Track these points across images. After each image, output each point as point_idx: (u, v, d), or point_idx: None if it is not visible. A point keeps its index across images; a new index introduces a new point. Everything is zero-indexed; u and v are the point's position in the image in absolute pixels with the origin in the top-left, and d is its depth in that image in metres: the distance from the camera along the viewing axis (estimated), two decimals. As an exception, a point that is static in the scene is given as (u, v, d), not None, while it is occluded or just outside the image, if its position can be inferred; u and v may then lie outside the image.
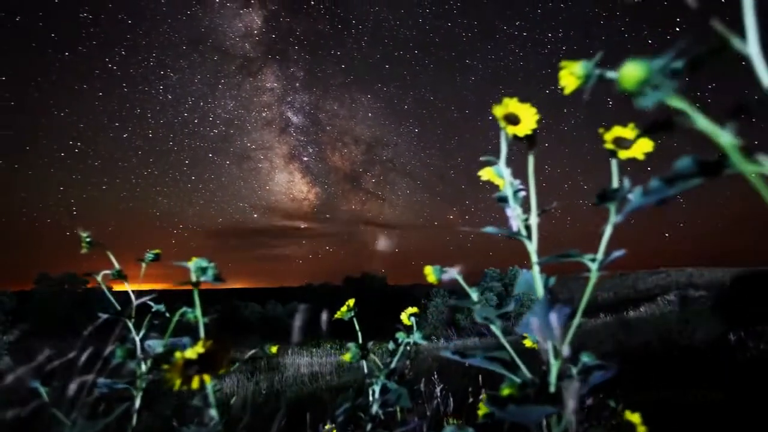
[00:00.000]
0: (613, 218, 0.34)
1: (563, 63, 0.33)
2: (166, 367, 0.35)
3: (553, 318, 0.39)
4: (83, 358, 0.57)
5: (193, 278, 0.42)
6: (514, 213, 0.46)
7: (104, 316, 0.61)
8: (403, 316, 0.75)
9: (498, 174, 0.56)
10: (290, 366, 10.88)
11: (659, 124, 0.27)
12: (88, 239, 0.67)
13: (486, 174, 0.59)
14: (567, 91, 0.33)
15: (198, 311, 0.45)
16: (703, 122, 0.22)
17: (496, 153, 0.51)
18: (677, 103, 0.23)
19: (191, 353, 0.36)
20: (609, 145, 0.41)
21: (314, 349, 14.01)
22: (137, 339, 0.61)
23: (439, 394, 1.61)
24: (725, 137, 0.22)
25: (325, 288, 27.72)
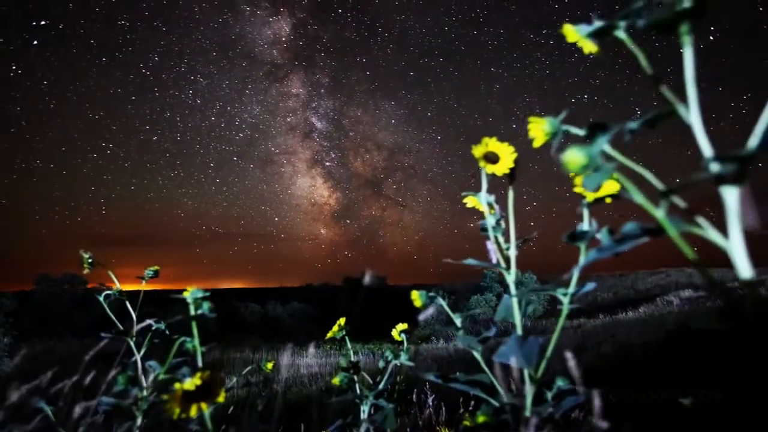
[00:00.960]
0: (582, 260, 0.37)
1: (531, 118, 0.36)
2: (166, 397, 0.38)
3: (527, 349, 0.42)
4: (87, 380, 0.59)
5: (192, 312, 0.44)
6: (493, 246, 0.49)
7: (107, 336, 0.64)
8: (394, 333, 0.78)
9: (484, 202, 0.59)
10: (290, 367, 10.91)
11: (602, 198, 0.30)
12: (89, 260, 0.69)
13: (470, 201, 0.62)
14: (535, 144, 0.36)
15: (196, 341, 0.47)
16: (639, 198, 0.25)
17: (479, 186, 0.53)
18: (617, 180, 0.26)
19: (189, 385, 0.39)
20: (480, 159, 0.44)
21: (314, 350, 14.04)
22: (138, 358, 0.63)
23: (431, 404, 1.63)
24: (659, 213, 0.25)
25: (325, 288, 27.74)
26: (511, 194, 0.51)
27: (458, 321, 0.55)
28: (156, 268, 0.83)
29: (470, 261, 0.49)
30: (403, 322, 0.80)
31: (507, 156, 0.47)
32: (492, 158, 0.47)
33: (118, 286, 0.71)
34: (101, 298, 0.70)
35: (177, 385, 0.38)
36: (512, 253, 0.49)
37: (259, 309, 21.97)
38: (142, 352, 0.65)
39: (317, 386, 8.55)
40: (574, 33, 0.40)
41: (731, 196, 0.27)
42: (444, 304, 0.57)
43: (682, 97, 0.32)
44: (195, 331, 0.48)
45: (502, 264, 0.49)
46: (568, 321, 14.98)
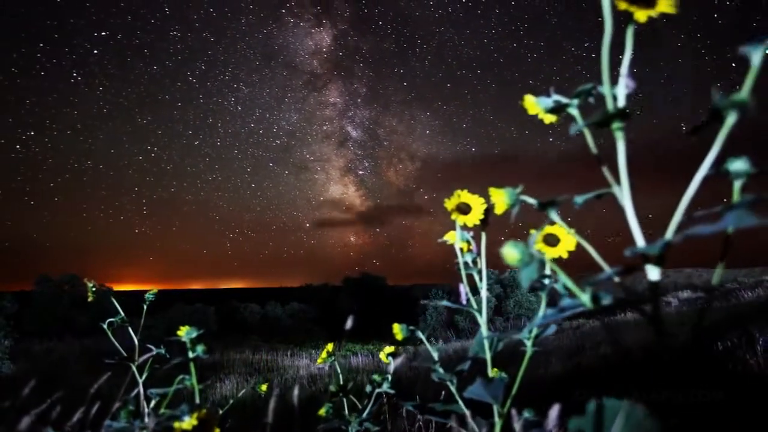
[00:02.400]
0: (540, 314, 0.41)
1: (492, 190, 0.40)
2: (165, 435, 0.42)
3: (493, 389, 0.46)
4: (93, 410, 0.63)
5: (191, 355, 0.49)
6: (465, 289, 0.53)
7: (111, 361, 0.68)
8: (382, 355, 0.82)
9: (462, 239, 0.64)
10: (289, 368, 10.96)
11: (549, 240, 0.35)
12: (93, 288, 0.74)
13: (450, 237, 0.66)
14: (497, 211, 0.41)
15: (194, 379, 0.52)
16: (566, 281, 0.29)
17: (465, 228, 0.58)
18: (547, 267, 0.30)
19: (188, 425, 0.43)
20: (452, 211, 0.49)
21: (313, 351, 14.10)
22: (140, 382, 0.68)
23: (420, 417, 1.67)
24: (584, 297, 0.29)
25: (325, 288, 27.76)
26: (483, 238, 0.55)
27: (435, 355, 0.60)
28: (155, 290, 0.87)
29: (444, 302, 0.53)
30: (402, 322, 0.84)
31: (478, 207, 0.52)
32: (464, 209, 0.51)
33: (122, 314, 0.75)
34: (105, 326, 0.74)
35: (176, 424, 0.43)
36: (483, 294, 0.54)
37: (259, 309, 22.00)
38: (144, 376, 0.70)
39: (316, 387, 8.60)
40: (533, 106, 0.44)
41: (653, 273, 0.32)
42: (423, 337, 0.61)
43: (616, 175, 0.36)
44: (193, 370, 0.52)
45: (474, 305, 0.53)
46: (568, 322, 15.04)
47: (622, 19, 0.34)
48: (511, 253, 0.28)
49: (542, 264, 0.29)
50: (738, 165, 0.36)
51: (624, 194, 0.34)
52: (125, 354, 0.72)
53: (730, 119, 0.30)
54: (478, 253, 0.58)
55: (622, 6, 0.32)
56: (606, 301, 0.31)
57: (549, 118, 0.44)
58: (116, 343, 0.75)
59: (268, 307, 22.18)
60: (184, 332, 0.51)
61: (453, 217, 0.52)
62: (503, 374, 0.73)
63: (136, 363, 0.69)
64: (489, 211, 0.55)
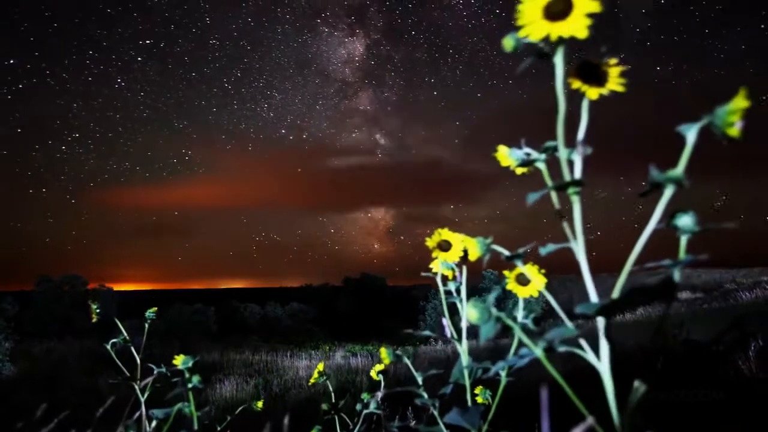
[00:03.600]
0: (510, 356, 0.45)
1: (466, 240, 0.44)
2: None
3: (470, 416, 0.50)
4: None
5: (190, 385, 0.52)
6: (447, 322, 0.57)
7: (114, 381, 0.72)
8: (372, 373, 0.85)
9: (446, 267, 0.68)
10: (289, 369, 11.00)
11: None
12: (97, 310, 0.77)
13: (435, 266, 0.70)
14: (471, 258, 0.44)
15: (192, 406, 0.55)
16: (520, 334, 0.33)
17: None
18: (503, 322, 0.34)
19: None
20: (434, 249, 0.53)
21: (313, 352, 14.13)
22: (142, 400, 0.71)
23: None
24: (538, 350, 0.33)
25: (325, 289, 27.79)
26: (464, 272, 0.59)
27: (420, 379, 0.63)
28: (154, 309, 0.91)
29: (426, 332, 0.57)
30: (402, 322, 0.87)
31: (458, 244, 0.55)
32: (444, 247, 0.55)
33: (125, 335, 0.79)
34: (108, 346, 0.78)
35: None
36: (464, 325, 0.57)
37: (259, 310, 22.04)
38: (146, 395, 0.73)
39: (316, 389, 8.64)
40: (505, 158, 0.48)
41: (601, 324, 0.36)
42: (409, 363, 0.65)
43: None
44: (191, 398, 0.56)
45: (455, 335, 0.57)
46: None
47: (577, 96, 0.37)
48: (472, 312, 0.32)
49: (499, 320, 0.32)
50: (684, 221, 0.40)
51: (579, 249, 0.38)
52: (128, 374, 0.75)
53: (668, 191, 0.34)
54: (461, 283, 0.62)
55: (575, 85, 0.35)
56: (561, 349, 0.35)
57: (520, 170, 0.47)
58: (119, 363, 0.78)
59: (268, 307, 22.21)
60: (180, 361, 0.54)
61: (434, 255, 0.55)
62: (488, 392, 0.77)
63: (140, 385, 0.72)
64: (465, 255, 0.59)
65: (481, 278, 20.83)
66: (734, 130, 0.31)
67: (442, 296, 0.58)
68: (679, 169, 0.33)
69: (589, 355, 0.35)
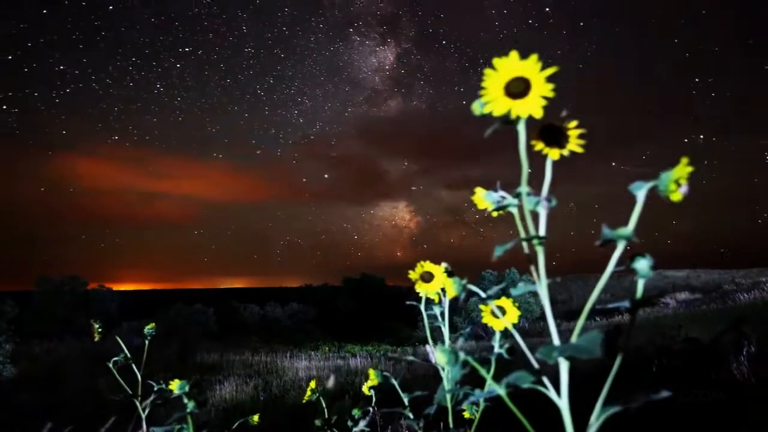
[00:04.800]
0: (487, 388, 0.48)
1: (445, 279, 0.47)
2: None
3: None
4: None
5: (187, 409, 0.56)
6: (431, 348, 0.60)
7: (117, 398, 0.75)
8: (364, 388, 0.89)
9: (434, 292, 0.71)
10: (288, 370, 11.04)
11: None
12: (99, 330, 0.81)
13: (422, 289, 0.73)
14: (449, 296, 0.48)
15: (191, 429, 0.59)
16: (485, 375, 0.36)
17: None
18: (497, 337, 0.38)
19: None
20: (416, 280, 0.56)
21: (312, 352, 14.17)
22: (143, 416, 0.75)
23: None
24: (501, 390, 0.36)
25: (325, 289, 27.82)
26: (446, 303, 0.62)
27: (406, 400, 0.67)
28: (152, 325, 0.95)
29: (411, 358, 0.60)
30: (401, 323, 0.90)
31: (439, 275, 0.59)
32: (426, 278, 0.59)
33: (126, 353, 0.83)
34: (110, 365, 0.81)
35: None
36: (446, 347, 0.61)
37: (259, 310, 22.06)
38: (147, 412, 0.77)
39: (326, 372, 8.67)
40: (481, 200, 0.51)
41: (564, 369, 0.39)
42: (396, 383, 0.69)
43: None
44: (190, 423, 0.59)
45: (436, 361, 0.60)
46: (566, 323, 15.10)
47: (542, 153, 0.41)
48: (440, 356, 0.35)
49: (466, 364, 0.36)
50: (641, 265, 0.43)
51: (543, 294, 0.41)
52: (130, 392, 0.79)
53: (620, 247, 0.37)
54: (444, 308, 0.65)
55: (538, 147, 0.39)
56: (524, 385, 0.39)
57: (495, 213, 0.51)
58: (121, 380, 0.82)
59: (268, 307, 22.24)
60: (176, 387, 0.58)
61: (417, 287, 0.59)
62: (474, 408, 0.81)
63: (142, 406, 0.76)
64: (452, 274, 0.62)
65: (481, 279, 20.88)
66: (676, 196, 0.35)
67: (426, 322, 0.62)
68: (630, 228, 0.36)
69: (551, 393, 0.38)
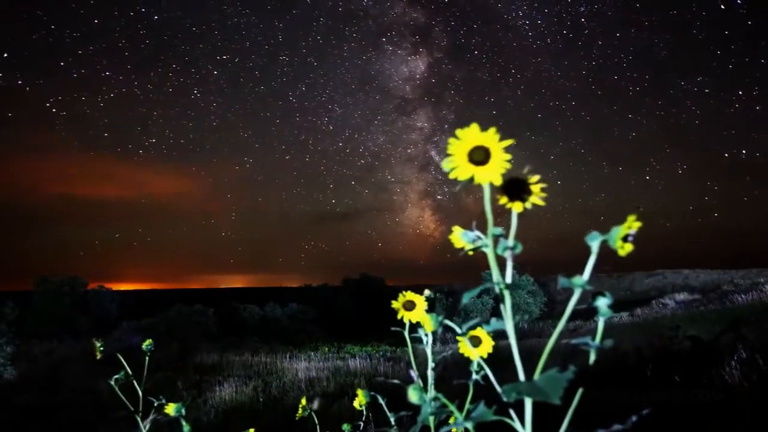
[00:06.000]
0: (466, 408, 0.52)
1: (423, 318, 0.51)
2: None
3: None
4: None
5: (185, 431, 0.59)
6: (414, 373, 0.64)
7: (121, 414, 0.79)
8: (356, 403, 0.92)
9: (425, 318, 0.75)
10: (288, 371, 11.07)
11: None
12: (101, 348, 0.85)
13: (411, 317, 0.77)
14: (427, 330, 0.52)
15: (186, 449, 0.63)
16: (456, 412, 0.40)
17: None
18: (474, 364, 0.41)
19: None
20: (399, 309, 0.60)
21: (312, 353, 14.21)
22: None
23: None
24: (469, 424, 0.40)
25: (324, 289, 27.85)
26: (430, 340, 0.66)
27: (392, 419, 0.71)
28: (149, 341, 0.98)
29: (396, 381, 0.64)
30: (400, 324, 0.93)
31: (421, 304, 0.63)
32: (409, 307, 0.62)
33: (128, 370, 0.86)
34: (112, 382, 0.85)
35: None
36: (429, 373, 0.65)
37: (258, 311, 22.09)
38: (147, 427, 0.81)
39: (314, 391, 8.71)
40: (458, 240, 0.55)
41: (528, 402, 0.43)
42: (383, 403, 0.72)
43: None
44: (185, 442, 0.63)
45: (422, 383, 0.64)
46: (566, 324, 15.11)
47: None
48: (411, 394, 0.39)
49: (436, 400, 0.39)
50: (601, 303, 0.47)
51: (510, 333, 0.45)
52: (132, 408, 0.83)
53: (577, 293, 0.41)
54: (428, 333, 0.69)
55: (502, 201, 0.43)
56: (491, 418, 0.42)
57: (470, 252, 0.54)
58: (122, 397, 0.85)
59: (268, 308, 22.26)
60: (172, 410, 0.61)
61: (399, 316, 0.63)
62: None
63: (144, 424, 0.80)
64: (434, 302, 0.66)
65: (482, 279, 20.93)
66: (623, 251, 0.38)
67: (409, 347, 0.66)
68: (584, 277, 0.40)
69: (516, 424, 0.42)
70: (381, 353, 14.14)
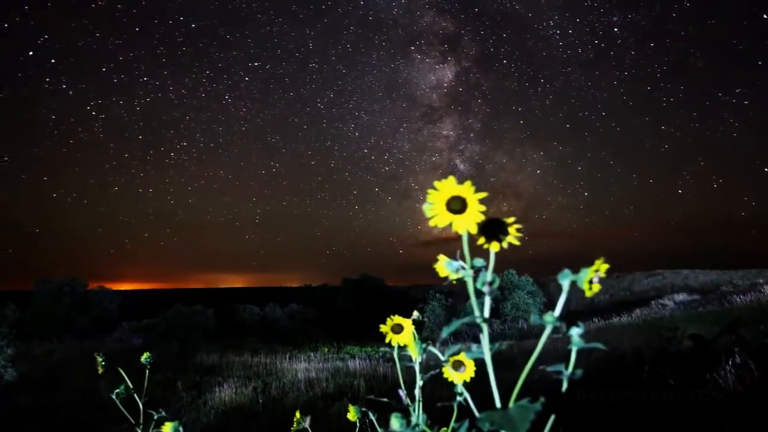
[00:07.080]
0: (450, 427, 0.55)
1: (409, 343, 0.54)
2: None
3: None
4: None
5: (181, 450, 0.63)
6: (403, 392, 0.67)
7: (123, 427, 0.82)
8: (350, 416, 0.95)
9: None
10: (288, 372, 11.10)
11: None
12: (102, 363, 0.87)
13: (396, 339, 0.80)
14: (414, 357, 0.55)
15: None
16: (427, 429, 0.43)
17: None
18: (459, 386, 0.44)
19: None
20: (387, 333, 0.63)
21: (311, 354, 14.24)
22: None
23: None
24: None
25: (324, 289, 27.87)
26: (417, 361, 0.69)
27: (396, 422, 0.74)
28: (148, 354, 1.01)
29: (385, 399, 0.67)
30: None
31: (408, 327, 0.65)
32: (396, 330, 0.65)
33: (129, 383, 0.89)
34: (113, 396, 0.88)
35: None
36: (417, 393, 0.67)
37: (258, 311, 22.11)
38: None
39: (314, 392, 8.75)
40: (443, 269, 0.58)
41: None
42: (374, 419, 0.75)
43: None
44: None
45: (411, 404, 0.67)
46: (558, 324, 15.14)
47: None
48: (393, 422, 0.42)
49: (417, 426, 0.42)
50: (574, 332, 0.50)
51: (488, 362, 0.48)
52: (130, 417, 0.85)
53: (548, 329, 0.44)
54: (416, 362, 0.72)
55: (480, 242, 0.46)
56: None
57: (454, 281, 0.57)
58: (123, 410, 0.88)
59: (267, 308, 22.28)
60: (170, 428, 0.64)
61: (387, 339, 0.66)
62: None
63: (140, 425, 0.82)
64: (421, 325, 0.69)
65: (465, 311, 20.92)
66: (590, 292, 0.41)
67: (398, 366, 0.68)
68: (556, 313, 0.43)
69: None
70: (380, 354, 14.18)
